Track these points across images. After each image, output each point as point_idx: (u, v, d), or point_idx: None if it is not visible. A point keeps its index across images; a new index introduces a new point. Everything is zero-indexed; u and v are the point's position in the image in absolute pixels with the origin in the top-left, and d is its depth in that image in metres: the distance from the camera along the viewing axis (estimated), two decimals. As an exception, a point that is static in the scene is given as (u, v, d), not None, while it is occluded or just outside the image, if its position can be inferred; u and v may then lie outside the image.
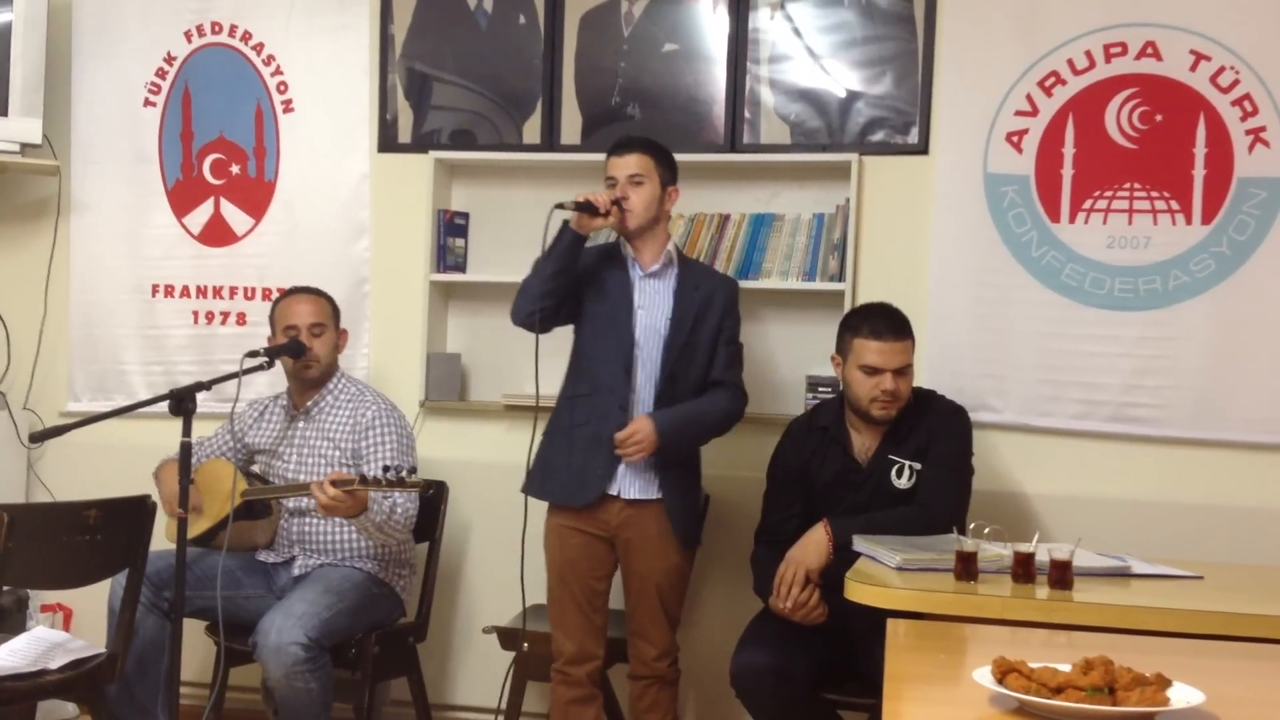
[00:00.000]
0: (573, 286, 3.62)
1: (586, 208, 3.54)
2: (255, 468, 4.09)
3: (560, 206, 3.56)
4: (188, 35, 4.68)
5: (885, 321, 3.50)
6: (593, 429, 3.60)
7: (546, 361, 4.14)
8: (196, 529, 3.82)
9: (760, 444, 3.80)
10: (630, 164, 3.63)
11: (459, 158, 4.47)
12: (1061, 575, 2.82)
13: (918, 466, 3.48)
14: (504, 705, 3.89)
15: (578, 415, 3.64)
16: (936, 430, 3.52)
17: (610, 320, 3.62)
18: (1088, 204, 3.94)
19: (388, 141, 4.55)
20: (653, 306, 3.64)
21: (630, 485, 3.61)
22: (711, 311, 3.65)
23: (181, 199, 4.69)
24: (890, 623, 2.52)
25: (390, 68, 4.54)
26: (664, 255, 3.68)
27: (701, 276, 3.73)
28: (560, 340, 3.78)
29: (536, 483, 3.70)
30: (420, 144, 4.51)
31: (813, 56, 4.21)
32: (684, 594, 3.72)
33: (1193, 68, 3.85)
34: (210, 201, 4.67)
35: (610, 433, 3.55)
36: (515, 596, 4.17)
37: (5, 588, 3.30)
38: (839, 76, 4.19)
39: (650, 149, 3.66)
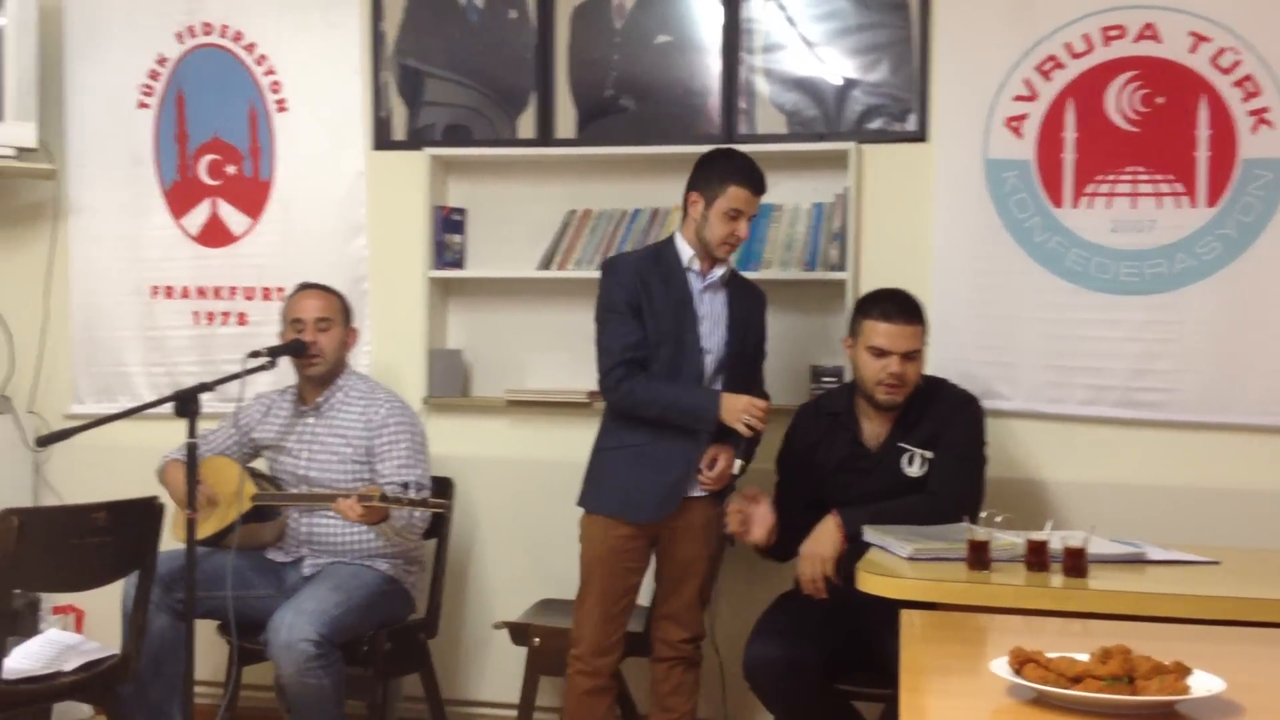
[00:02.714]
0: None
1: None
2: (260, 463, 4.09)
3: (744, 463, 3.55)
4: (179, 36, 4.67)
5: (896, 305, 3.52)
6: (673, 445, 3.57)
7: (543, 355, 4.17)
8: (205, 531, 3.82)
9: (768, 435, 3.80)
10: (755, 203, 3.61)
11: (454, 154, 4.46)
12: (1076, 563, 2.81)
13: (929, 455, 3.49)
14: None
15: (647, 432, 3.59)
16: (947, 419, 3.53)
17: (678, 334, 3.59)
18: (1090, 188, 3.93)
19: (382, 139, 4.54)
20: (713, 318, 3.65)
21: (691, 484, 3.62)
22: (753, 322, 3.72)
23: (179, 200, 4.68)
24: (904, 614, 2.51)
25: (383, 65, 4.53)
26: (726, 266, 3.68)
27: (742, 287, 3.75)
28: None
29: (602, 500, 3.64)
30: (415, 140, 4.50)
31: (807, 45, 4.20)
32: (715, 580, 3.75)
33: (1193, 49, 3.84)
34: (207, 202, 4.67)
35: (696, 449, 3.56)
36: (524, 591, 4.22)
37: (16, 591, 3.30)
38: (834, 64, 4.18)
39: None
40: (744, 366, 3.68)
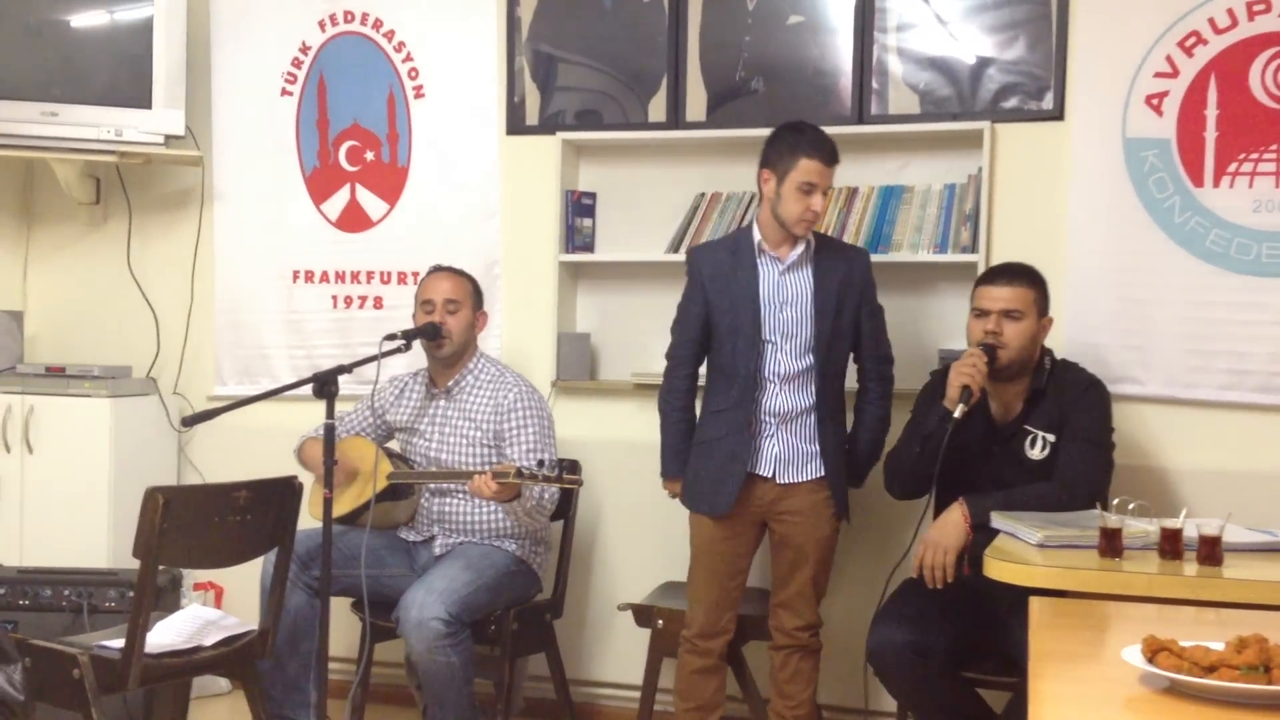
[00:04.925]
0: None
1: (967, 396, 3.41)
2: (394, 444, 4.18)
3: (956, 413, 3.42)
4: (321, 24, 4.78)
5: (1000, 270, 3.56)
6: (728, 438, 3.63)
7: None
8: (344, 505, 3.92)
9: (895, 418, 3.76)
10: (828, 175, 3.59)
11: (585, 138, 4.49)
12: (1211, 551, 2.75)
13: (1052, 438, 3.43)
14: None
15: (718, 427, 3.66)
16: (1071, 402, 3.47)
17: (743, 327, 3.60)
18: (1232, 167, 3.81)
19: (516, 124, 4.59)
20: (795, 301, 3.61)
21: (785, 470, 3.62)
22: (851, 288, 3.64)
23: (319, 186, 4.80)
24: (1033, 601, 2.48)
25: (517, 50, 4.57)
26: (804, 244, 3.63)
27: (834, 254, 3.69)
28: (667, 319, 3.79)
29: (685, 493, 3.76)
30: (547, 125, 4.54)
31: (941, 23, 4.14)
32: (830, 567, 3.71)
33: (1341, 23, 3.71)
34: (346, 188, 4.77)
35: (744, 444, 3.60)
36: (649, 573, 4.25)
37: (161, 567, 3.41)
38: (969, 43, 4.12)
39: None
40: (842, 339, 3.64)
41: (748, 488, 3.61)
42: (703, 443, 3.70)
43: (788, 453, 3.61)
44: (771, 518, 3.65)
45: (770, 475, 3.61)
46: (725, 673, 3.73)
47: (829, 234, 4.07)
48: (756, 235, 3.64)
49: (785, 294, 3.61)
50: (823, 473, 3.62)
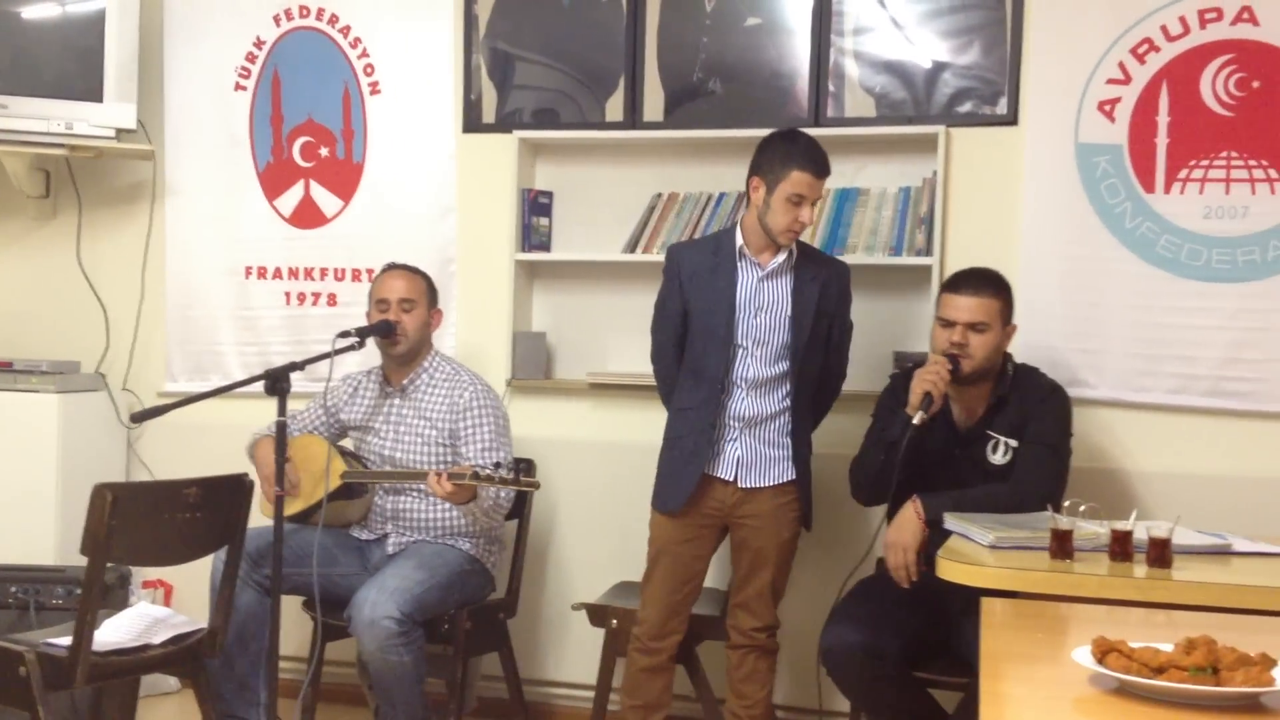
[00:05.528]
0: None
1: (928, 403, 3.40)
2: (348, 443, 4.15)
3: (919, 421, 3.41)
4: (276, 19, 4.74)
5: (966, 278, 3.52)
6: (693, 436, 3.61)
7: (626, 338, 4.17)
8: (293, 508, 3.88)
9: (851, 422, 3.79)
10: (819, 187, 3.54)
11: (542, 137, 4.48)
12: (1160, 553, 2.77)
13: (1014, 444, 3.45)
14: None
15: (680, 426, 3.65)
16: (1033, 408, 3.48)
17: (713, 329, 3.58)
18: (1183, 174, 3.86)
19: (472, 122, 4.58)
20: (772, 308, 3.58)
21: (747, 474, 3.60)
22: (828, 301, 3.61)
23: (272, 182, 4.76)
24: (985, 602, 2.50)
25: (474, 48, 4.56)
26: (787, 252, 3.59)
27: (816, 265, 3.65)
28: (646, 318, 3.79)
29: (653, 492, 3.73)
30: (504, 124, 4.52)
31: (897, 27, 4.16)
32: (789, 570, 3.71)
33: (1291, 32, 3.76)
34: (300, 184, 4.73)
35: (704, 446, 3.57)
36: (603, 573, 4.24)
37: (109, 564, 3.37)
38: (925, 47, 4.14)
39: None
40: (816, 349, 3.61)
41: (708, 490, 3.60)
42: (667, 439, 3.70)
43: (750, 457, 3.60)
44: (732, 521, 3.64)
45: (732, 479, 3.59)
46: (673, 672, 3.73)
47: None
48: (739, 239, 3.60)
49: (761, 300, 3.58)
50: (792, 477, 3.61)
